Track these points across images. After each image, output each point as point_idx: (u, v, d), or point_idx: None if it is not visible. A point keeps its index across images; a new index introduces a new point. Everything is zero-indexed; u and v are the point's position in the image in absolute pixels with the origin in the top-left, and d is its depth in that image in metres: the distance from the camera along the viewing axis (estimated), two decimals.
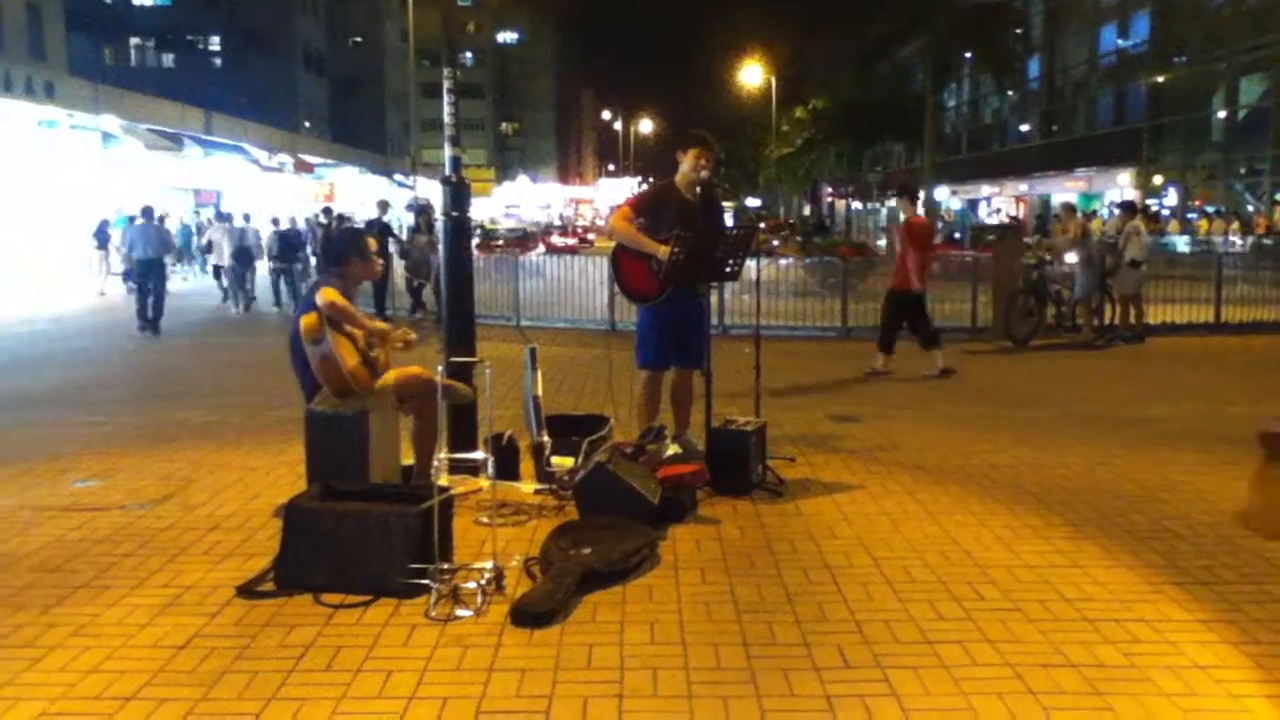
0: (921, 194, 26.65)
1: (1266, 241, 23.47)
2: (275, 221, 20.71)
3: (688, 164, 5.81)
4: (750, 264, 6.08)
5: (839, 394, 8.92)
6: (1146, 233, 14.19)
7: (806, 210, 64.70)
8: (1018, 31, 39.25)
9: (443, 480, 4.47)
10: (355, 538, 4.03)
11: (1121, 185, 38.21)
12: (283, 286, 18.27)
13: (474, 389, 5.52)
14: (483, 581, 3.95)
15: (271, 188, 37.68)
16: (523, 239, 36.11)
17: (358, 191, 45.76)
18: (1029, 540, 4.68)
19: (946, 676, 3.30)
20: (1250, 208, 31.17)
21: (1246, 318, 13.80)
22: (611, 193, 78.81)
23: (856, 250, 23.10)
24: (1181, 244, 26.75)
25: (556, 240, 41.26)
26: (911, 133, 40.86)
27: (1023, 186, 46.88)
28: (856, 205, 62.71)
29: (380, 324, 5.21)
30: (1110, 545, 4.59)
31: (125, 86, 33.08)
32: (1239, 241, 25.20)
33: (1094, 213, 33.33)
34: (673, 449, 5.49)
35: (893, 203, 50.94)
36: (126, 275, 16.93)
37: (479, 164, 70.48)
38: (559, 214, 76.08)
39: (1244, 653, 3.47)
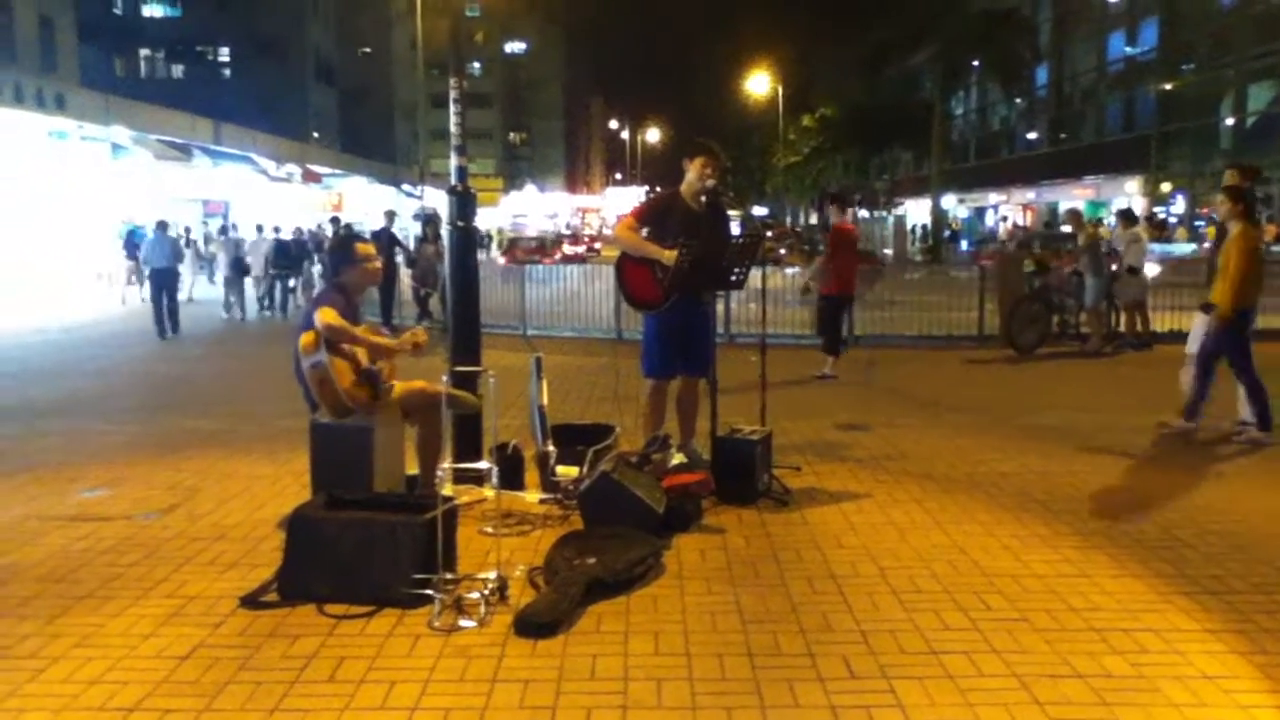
0: (852, 206, 26.29)
1: (1275, 249, 23.33)
2: (277, 230, 21.21)
3: (693, 172, 5.82)
4: (756, 272, 6.07)
5: (846, 402, 8.90)
6: (1148, 240, 14.13)
7: (814, 219, 64.70)
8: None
9: (447, 490, 4.46)
10: (359, 547, 4.02)
11: (1130, 193, 38.16)
12: (276, 294, 19.09)
13: (479, 398, 5.52)
14: (486, 592, 3.94)
15: (280, 198, 37.86)
16: (542, 246, 39.22)
17: (366, 201, 45.90)
18: (1036, 549, 4.65)
19: (952, 687, 3.28)
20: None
21: (1256, 325, 13.67)
22: (618, 202, 78.82)
23: (863, 258, 23.02)
24: (1187, 250, 26.56)
25: (568, 249, 42.51)
26: (919, 140, 40.95)
27: (1030, 194, 46.87)
28: (864, 213, 62.68)
29: (387, 340, 5.18)
30: (1118, 554, 4.56)
31: (135, 97, 33.25)
32: None
33: (1101, 220, 33.26)
34: (678, 458, 5.49)
35: (900, 210, 50.94)
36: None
37: (487, 173, 70.61)
38: (566, 223, 76.20)
39: (1253, 663, 3.44)
